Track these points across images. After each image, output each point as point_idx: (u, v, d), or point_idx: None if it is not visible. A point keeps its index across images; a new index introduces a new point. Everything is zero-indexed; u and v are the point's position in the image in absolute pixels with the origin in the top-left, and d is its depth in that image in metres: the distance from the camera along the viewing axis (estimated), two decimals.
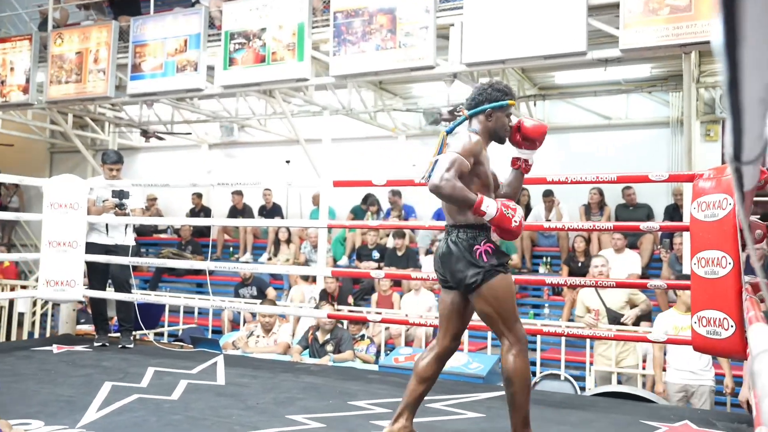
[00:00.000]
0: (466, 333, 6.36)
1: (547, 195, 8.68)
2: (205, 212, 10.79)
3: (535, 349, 6.08)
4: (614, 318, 5.75)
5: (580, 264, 7.60)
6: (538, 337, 5.96)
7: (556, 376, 5.64)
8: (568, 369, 5.90)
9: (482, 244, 2.63)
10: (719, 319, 3.06)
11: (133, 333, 5.30)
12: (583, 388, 5.57)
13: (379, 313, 6.55)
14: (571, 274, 7.53)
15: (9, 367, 4.23)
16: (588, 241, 8.00)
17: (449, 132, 2.81)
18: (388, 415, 3.29)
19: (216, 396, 3.65)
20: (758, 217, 4.64)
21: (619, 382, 5.45)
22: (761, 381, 0.80)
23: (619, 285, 5.11)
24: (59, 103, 9.25)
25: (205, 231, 10.16)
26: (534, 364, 5.94)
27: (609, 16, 6.27)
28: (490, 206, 2.53)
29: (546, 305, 7.74)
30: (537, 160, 2.99)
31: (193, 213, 10.99)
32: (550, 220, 8.44)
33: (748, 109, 0.73)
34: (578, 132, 9.50)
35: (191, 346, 5.54)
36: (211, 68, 8.13)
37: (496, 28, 6.42)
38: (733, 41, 0.56)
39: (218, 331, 7.90)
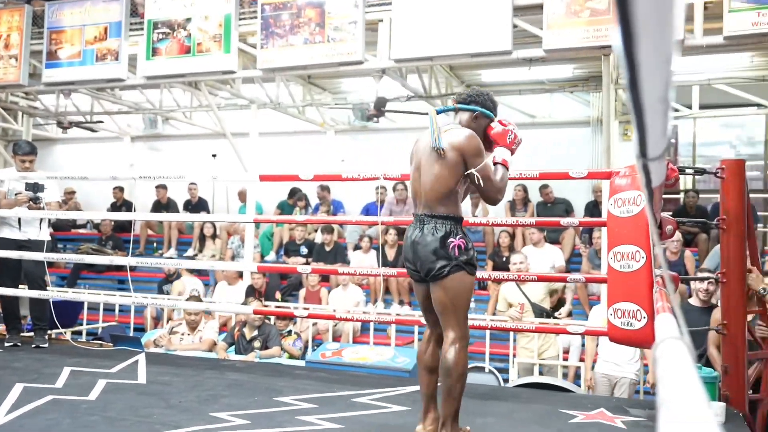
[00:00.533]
0: (393, 328, 6.47)
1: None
2: (127, 206, 10.44)
3: None
4: (539, 311, 5.93)
5: (504, 259, 7.77)
6: None
7: (481, 369, 5.77)
8: (492, 361, 6.04)
9: (457, 238, 2.71)
10: (633, 310, 3.21)
11: (49, 332, 5.07)
12: (506, 380, 5.72)
13: (307, 309, 6.52)
14: (495, 268, 7.70)
15: None
16: (512, 236, 8.21)
17: (440, 112, 2.84)
18: (314, 410, 3.28)
19: (137, 395, 3.54)
20: (670, 213, 4.88)
21: (541, 373, 5.63)
22: (660, 367, 0.84)
23: (541, 279, 5.27)
24: None
25: (126, 226, 9.82)
26: None
27: (534, 16, 6.44)
28: (504, 157, 2.86)
29: (472, 299, 7.88)
30: None
31: (115, 207, 10.62)
32: (476, 216, 8.60)
33: (650, 108, 0.77)
34: None
35: (111, 344, 5.35)
36: (133, 58, 7.85)
37: (424, 25, 6.49)
38: (630, 42, 0.58)
39: (141, 329, 7.67)
